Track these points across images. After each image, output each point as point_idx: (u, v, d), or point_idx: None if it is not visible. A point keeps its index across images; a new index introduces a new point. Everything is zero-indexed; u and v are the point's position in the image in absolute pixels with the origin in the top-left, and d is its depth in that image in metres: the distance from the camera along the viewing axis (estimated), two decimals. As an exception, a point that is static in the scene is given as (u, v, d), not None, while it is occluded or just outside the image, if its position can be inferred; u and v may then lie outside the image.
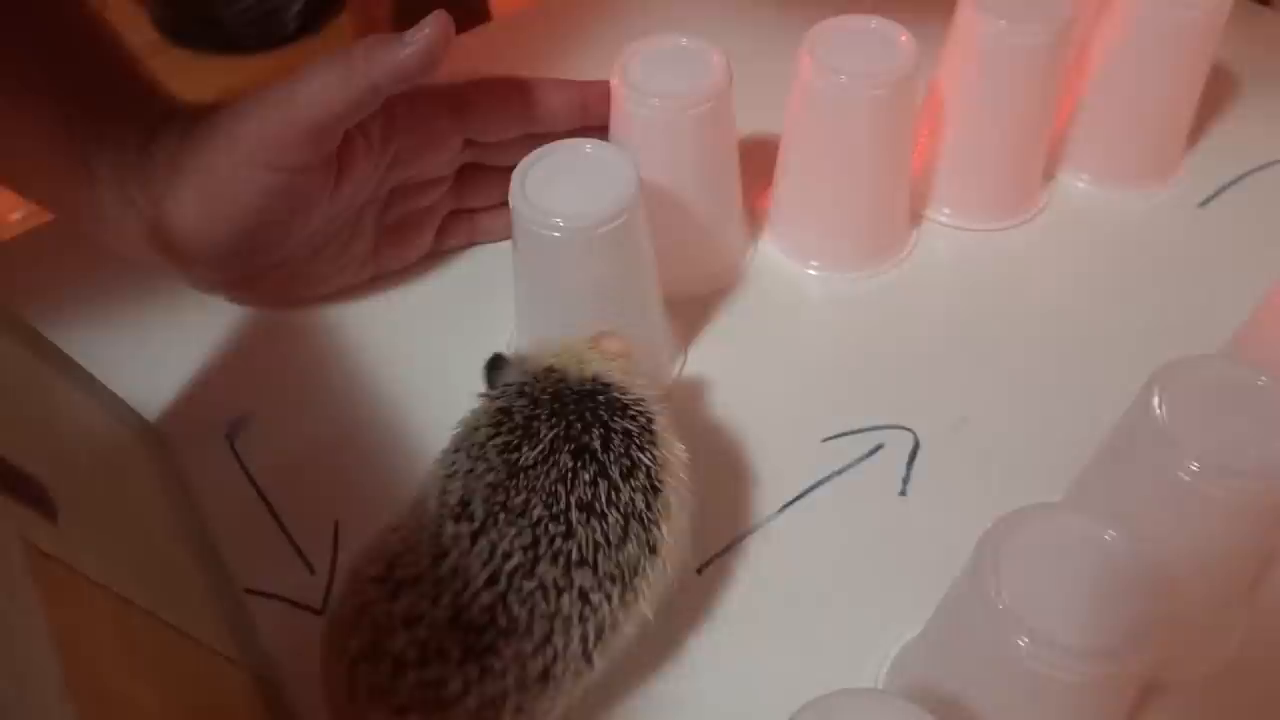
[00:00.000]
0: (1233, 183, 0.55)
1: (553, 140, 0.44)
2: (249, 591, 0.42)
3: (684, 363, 0.49)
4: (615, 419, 0.35)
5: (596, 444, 0.35)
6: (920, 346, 0.49)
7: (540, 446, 0.35)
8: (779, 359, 0.49)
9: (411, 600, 0.33)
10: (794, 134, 0.50)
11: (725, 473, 0.45)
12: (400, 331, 0.50)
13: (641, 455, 0.35)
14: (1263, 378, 0.34)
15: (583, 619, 0.34)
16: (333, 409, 0.47)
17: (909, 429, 0.46)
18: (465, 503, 0.34)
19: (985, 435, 0.46)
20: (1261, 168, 0.56)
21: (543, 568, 0.33)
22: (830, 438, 0.46)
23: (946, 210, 0.54)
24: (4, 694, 0.22)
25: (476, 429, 0.36)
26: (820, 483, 0.44)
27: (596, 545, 0.34)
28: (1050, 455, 0.42)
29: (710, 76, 0.46)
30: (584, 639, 0.34)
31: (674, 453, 0.36)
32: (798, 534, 0.43)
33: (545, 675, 0.33)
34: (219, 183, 0.44)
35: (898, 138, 0.49)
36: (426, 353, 0.49)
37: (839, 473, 0.44)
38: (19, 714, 0.22)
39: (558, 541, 0.33)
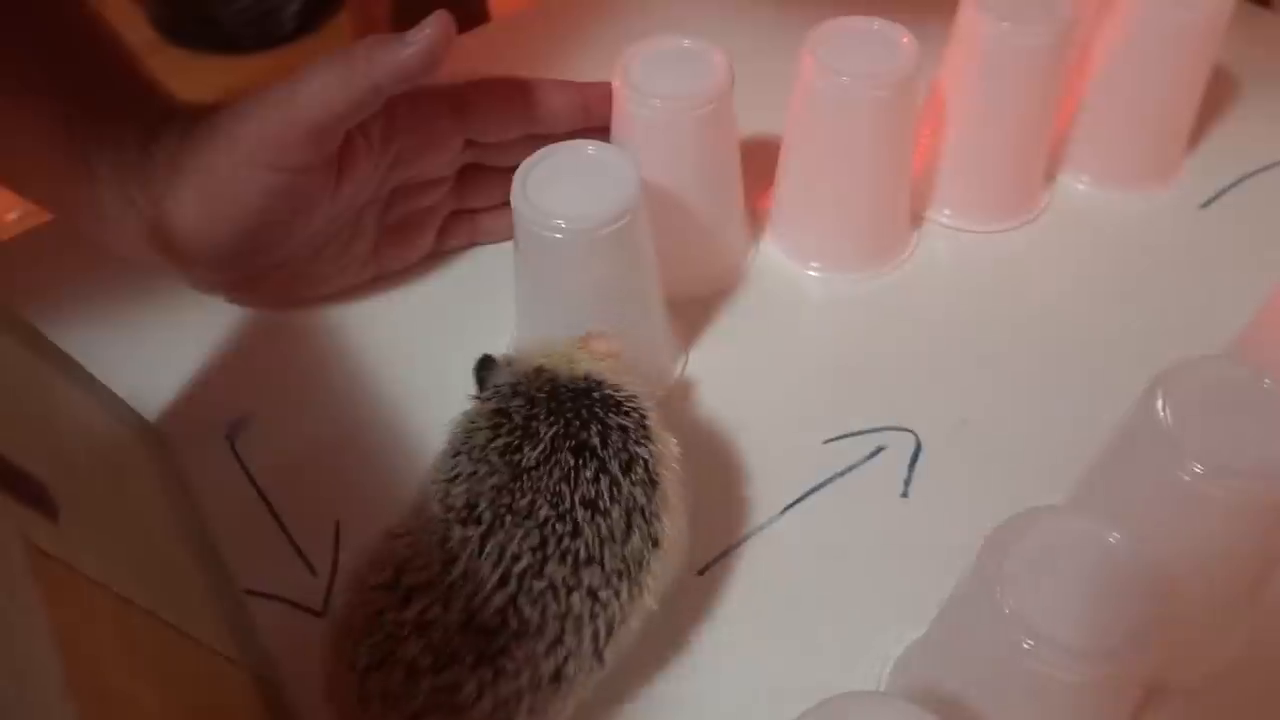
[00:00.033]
0: (1233, 184, 0.55)
1: (554, 141, 0.44)
2: (250, 593, 0.42)
3: (685, 364, 0.48)
4: (611, 415, 0.36)
5: (596, 440, 0.35)
6: (921, 348, 0.49)
7: (541, 446, 0.35)
8: (780, 360, 0.49)
9: (423, 606, 0.33)
10: (795, 135, 0.50)
11: (727, 474, 0.44)
12: (401, 332, 0.50)
13: (639, 449, 0.36)
14: (1266, 380, 0.34)
15: (593, 616, 0.34)
16: (334, 409, 0.47)
17: (910, 430, 0.46)
18: (471, 506, 0.34)
19: (987, 437, 0.46)
20: (1262, 169, 0.56)
21: (551, 567, 0.33)
22: (832, 439, 0.46)
23: (948, 211, 0.53)
24: (5, 693, 0.22)
25: (475, 432, 0.36)
26: (822, 484, 0.44)
27: (602, 542, 0.34)
28: (1052, 456, 0.42)
29: (712, 78, 0.46)
30: (595, 637, 0.34)
31: (668, 447, 0.37)
32: (799, 535, 0.43)
33: (558, 675, 0.34)
34: (219, 183, 0.44)
35: (899, 139, 0.49)
36: (427, 353, 0.49)
37: (840, 474, 0.44)
38: (20, 712, 0.22)
39: (565, 540, 0.34)
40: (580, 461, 0.35)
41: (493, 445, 0.35)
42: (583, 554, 0.34)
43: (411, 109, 0.46)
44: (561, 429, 0.35)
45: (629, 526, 0.34)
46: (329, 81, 0.42)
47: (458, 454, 0.36)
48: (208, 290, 0.50)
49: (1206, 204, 0.54)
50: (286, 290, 0.50)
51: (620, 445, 0.35)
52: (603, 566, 0.34)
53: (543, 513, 0.34)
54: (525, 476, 0.34)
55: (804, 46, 0.47)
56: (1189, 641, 0.37)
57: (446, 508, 0.35)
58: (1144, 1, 0.50)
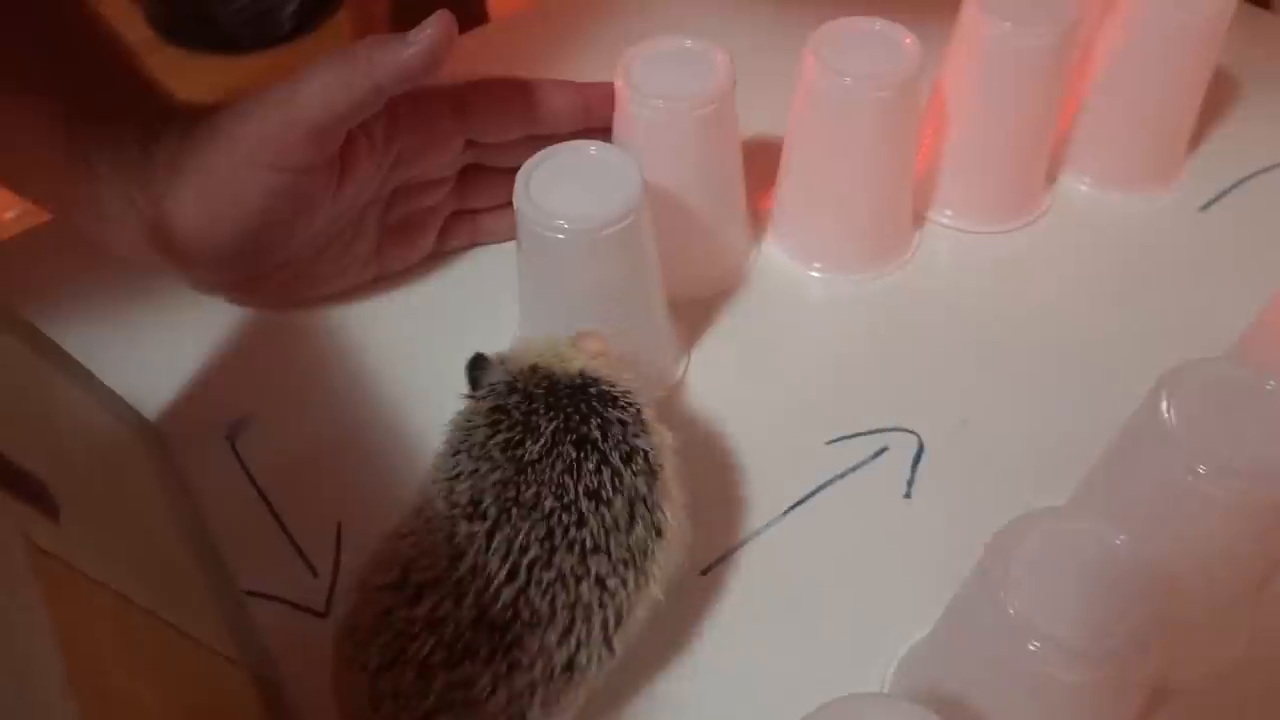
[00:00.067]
0: (1234, 186, 0.55)
1: (555, 142, 0.44)
2: (251, 594, 0.42)
3: (687, 364, 0.48)
4: (608, 409, 0.36)
5: (596, 433, 0.35)
6: (923, 348, 0.49)
7: (542, 440, 0.35)
8: (782, 361, 0.49)
9: (434, 603, 0.33)
10: (797, 135, 0.50)
11: (729, 475, 0.44)
12: (403, 332, 0.50)
13: (638, 441, 0.36)
14: (1270, 381, 0.34)
15: (602, 605, 0.34)
16: (334, 409, 0.47)
17: (913, 431, 0.46)
18: (476, 502, 0.34)
19: (989, 438, 0.45)
20: (1263, 171, 0.56)
21: (559, 557, 0.34)
22: (834, 440, 0.46)
23: (949, 212, 0.53)
24: (5, 691, 0.22)
25: (473, 430, 0.36)
26: (824, 485, 0.44)
27: (607, 531, 0.34)
28: (1054, 457, 0.42)
29: (714, 78, 0.46)
30: (604, 625, 0.34)
31: (665, 439, 0.37)
32: (802, 537, 0.43)
33: (570, 664, 0.34)
34: (220, 183, 0.44)
35: (901, 139, 0.49)
36: (429, 353, 0.49)
37: (843, 475, 0.44)
38: (20, 711, 0.22)
39: (571, 531, 0.34)
40: (582, 454, 0.35)
41: (493, 441, 0.35)
42: (589, 543, 0.34)
43: (413, 109, 0.46)
44: (561, 423, 0.35)
45: (632, 516, 0.35)
46: (330, 82, 0.41)
47: (457, 453, 0.36)
48: (208, 291, 0.49)
49: (1207, 206, 0.54)
50: (288, 291, 0.50)
51: (620, 438, 0.36)
52: (609, 555, 0.34)
53: (548, 504, 0.34)
54: (529, 470, 0.34)
55: (806, 47, 0.47)
56: (1191, 642, 0.37)
57: (451, 505, 0.35)
58: (1145, 3, 0.50)
